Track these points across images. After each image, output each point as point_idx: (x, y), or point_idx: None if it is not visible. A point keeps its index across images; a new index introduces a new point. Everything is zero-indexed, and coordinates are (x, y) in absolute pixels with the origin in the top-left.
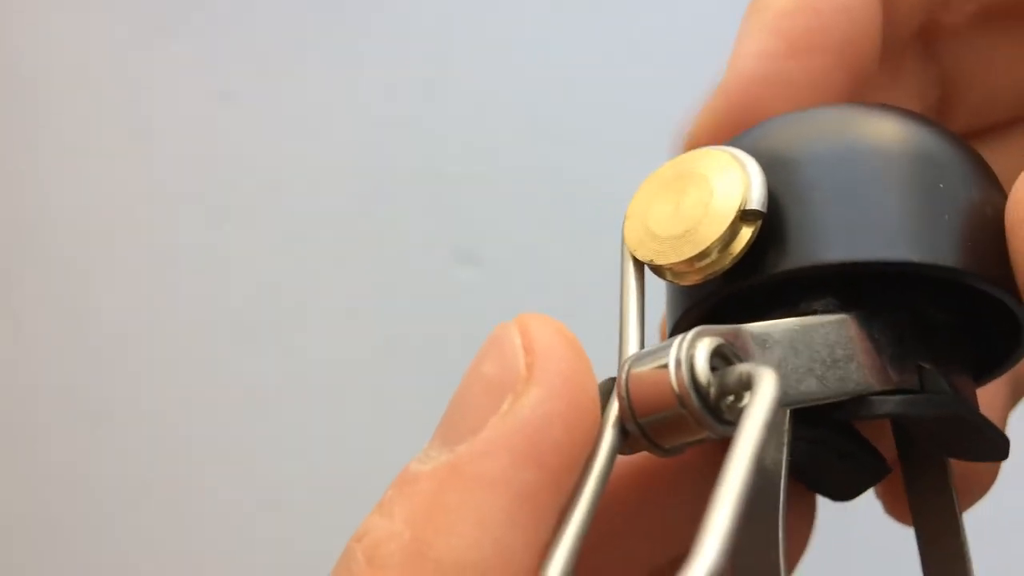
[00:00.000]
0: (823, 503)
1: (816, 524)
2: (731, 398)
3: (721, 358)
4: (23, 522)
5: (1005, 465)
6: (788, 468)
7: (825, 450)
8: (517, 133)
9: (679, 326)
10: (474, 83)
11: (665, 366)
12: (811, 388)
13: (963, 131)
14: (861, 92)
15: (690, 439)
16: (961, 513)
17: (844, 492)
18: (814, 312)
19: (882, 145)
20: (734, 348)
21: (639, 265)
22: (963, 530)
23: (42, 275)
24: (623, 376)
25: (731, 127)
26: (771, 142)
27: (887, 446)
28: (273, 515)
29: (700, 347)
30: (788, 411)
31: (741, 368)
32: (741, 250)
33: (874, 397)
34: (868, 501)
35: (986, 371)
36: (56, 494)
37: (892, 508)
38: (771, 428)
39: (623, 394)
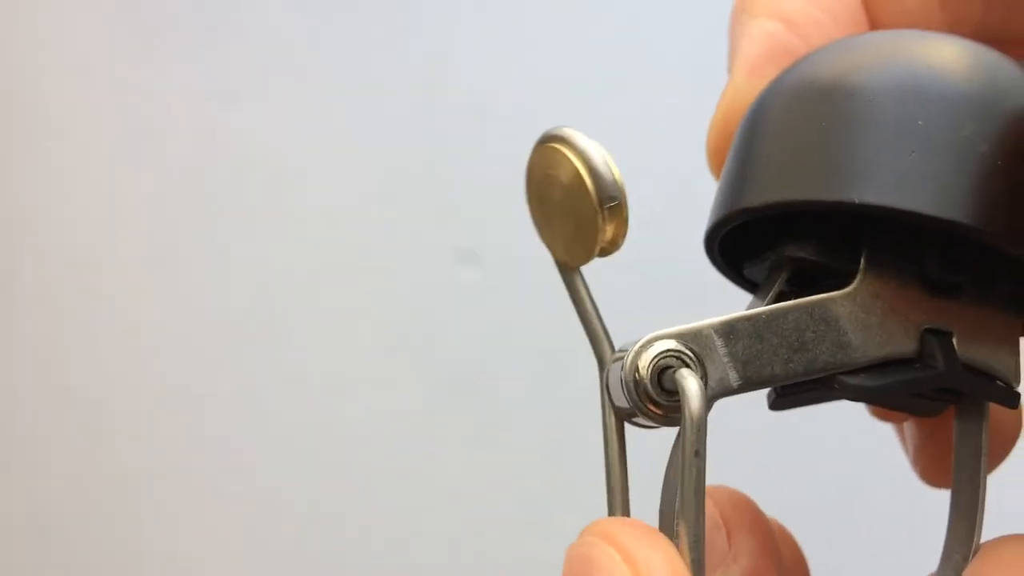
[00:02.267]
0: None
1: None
2: (674, 398)
3: (675, 358)
4: (22, 521)
5: None
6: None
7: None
8: (517, 133)
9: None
10: (474, 83)
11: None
12: (775, 372)
13: None
14: None
15: (648, 425)
16: (986, 466)
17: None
18: (795, 257)
19: (883, 81)
20: (689, 348)
21: (571, 268)
22: (983, 485)
23: (42, 275)
24: (604, 371)
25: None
26: (800, 72)
27: None
28: (272, 514)
29: (644, 355)
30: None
31: (676, 375)
32: (624, 230)
33: (842, 377)
34: (871, 500)
35: None
36: (55, 493)
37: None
38: (701, 430)
39: (603, 386)
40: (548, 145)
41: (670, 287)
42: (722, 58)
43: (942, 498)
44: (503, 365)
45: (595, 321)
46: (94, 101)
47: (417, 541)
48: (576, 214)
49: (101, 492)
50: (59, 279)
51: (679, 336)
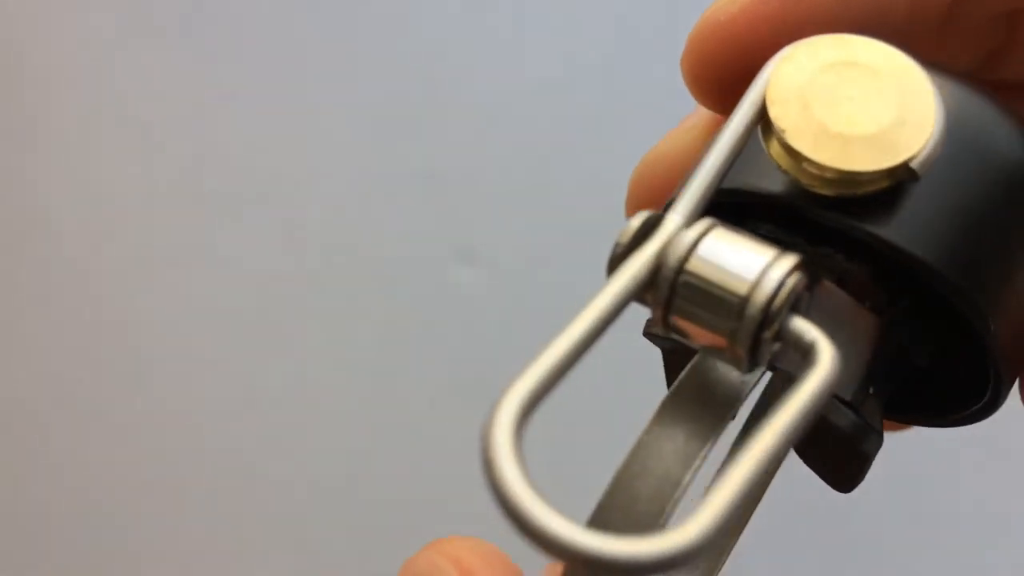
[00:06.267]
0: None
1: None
2: (778, 346)
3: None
4: (22, 521)
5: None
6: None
7: None
8: (517, 133)
9: (720, 194)
10: (473, 83)
11: (741, 276)
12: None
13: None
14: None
15: (700, 348)
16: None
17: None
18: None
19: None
20: (808, 296)
21: (768, 128)
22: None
23: (42, 275)
24: (682, 250)
25: (723, 51)
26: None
27: None
28: (272, 515)
29: (790, 282)
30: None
31: (806, 329)
32: (874, 191)
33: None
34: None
35: (945, 418)
36: (55, 493)
37: None
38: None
39: (672, 267)
40: (906, 55)
41: None
42: None
43: (938, 497)
44: (503, 366)
45: (713, 177)
46: (92, 100)
47: (416, 542)
48: (866, 121)
49: (101, 492)
50: (57, 279)
51: (816, 279)
